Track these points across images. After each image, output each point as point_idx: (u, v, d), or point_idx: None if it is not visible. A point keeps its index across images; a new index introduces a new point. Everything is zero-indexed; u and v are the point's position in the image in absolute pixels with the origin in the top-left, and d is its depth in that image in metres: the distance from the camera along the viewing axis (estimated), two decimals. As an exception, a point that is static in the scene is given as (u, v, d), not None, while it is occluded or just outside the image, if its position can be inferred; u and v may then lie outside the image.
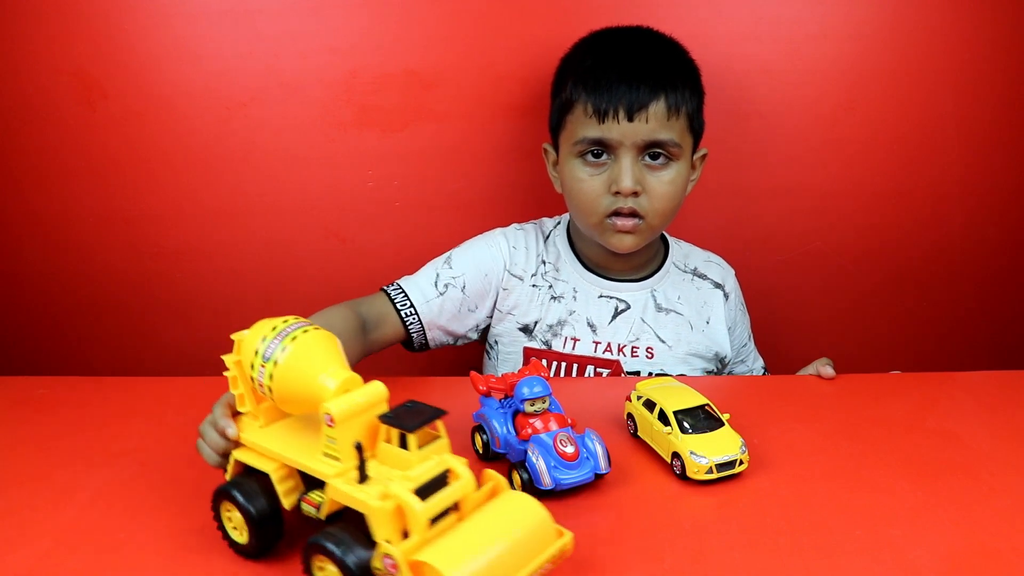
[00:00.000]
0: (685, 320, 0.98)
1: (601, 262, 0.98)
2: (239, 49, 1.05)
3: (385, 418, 0.48)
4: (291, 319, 0.52)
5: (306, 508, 0.51)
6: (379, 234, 1.13)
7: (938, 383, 0.85)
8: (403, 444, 0.48)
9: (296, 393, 0.50)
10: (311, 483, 0.51)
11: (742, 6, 1.05)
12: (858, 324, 1.22)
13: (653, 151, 0.87)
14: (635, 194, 0.87)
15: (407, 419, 0.48)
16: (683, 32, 0.94)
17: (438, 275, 0.94)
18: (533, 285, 0.97)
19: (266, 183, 1.11)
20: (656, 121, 0.86)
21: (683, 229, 1.08)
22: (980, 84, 1.09)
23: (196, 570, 0.53)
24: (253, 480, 0.52)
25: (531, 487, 0.60)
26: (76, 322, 1.19)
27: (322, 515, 0.49)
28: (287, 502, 0.51)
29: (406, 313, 0.91)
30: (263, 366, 0.50)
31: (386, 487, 0.46)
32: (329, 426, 0.48)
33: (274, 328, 0.51)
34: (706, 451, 0.62)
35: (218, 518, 0.54)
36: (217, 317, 1.17)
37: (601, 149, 0.88)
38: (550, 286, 0.97)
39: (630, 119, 0.85)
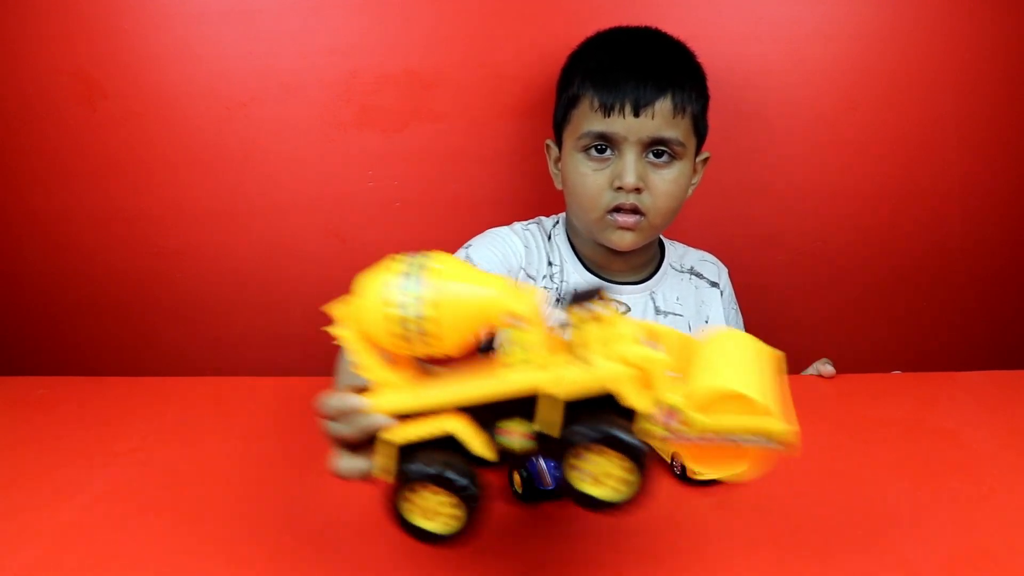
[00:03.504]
0: (684, 321, 0.98)
1: (600, 262, 0.98)
2: (239, 49, 1.05)
3: (571, 300, 0.45)
4: (401, 255, 0.46)
5: (517, 442, 0.44)
6: (379, 234, 1.13)
7: (938, 383, 0.85)
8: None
9: (462, 314, 0.43)
10: (486, 428, 0.45)
11: (742, 6, 1.05)
12: (858, 324, 1.22)
13: (657, 148, 0.87)
14: (637, 190, 0.87)
15: (587, 295, 0.45)
16: (684, 32, 0.94)
17: None
18: (545, 287, 0.96)
19: (266, 183, 1.11)
20: (662, 118, 0.86)
21: (684, 229, 1.08)
22: (980, 84, 1.09)
23: (196, 570, 0.53)
24: (435, 453, 0.44)
25: (531, 486, 0.60)
26: (76, 322, 1.19)
27: (555, 431, 0.43)
28: (491, 453, 0.44)
29: None
30: (412, 300, 0.43)
31: (616, 355, 0.42)
32: (522, 328, 0.42)
33: (399, 266, 0.44)
34: (706, 451, 0.62)
35: (405, 523, 0.45)
36: (217, 317, 1.17)
37: (605, 144, 0.88)
38: (556, 288, 0.97)
39: (636, 114, 0.85)
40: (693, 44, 0.93)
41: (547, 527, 0.57)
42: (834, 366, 0.87)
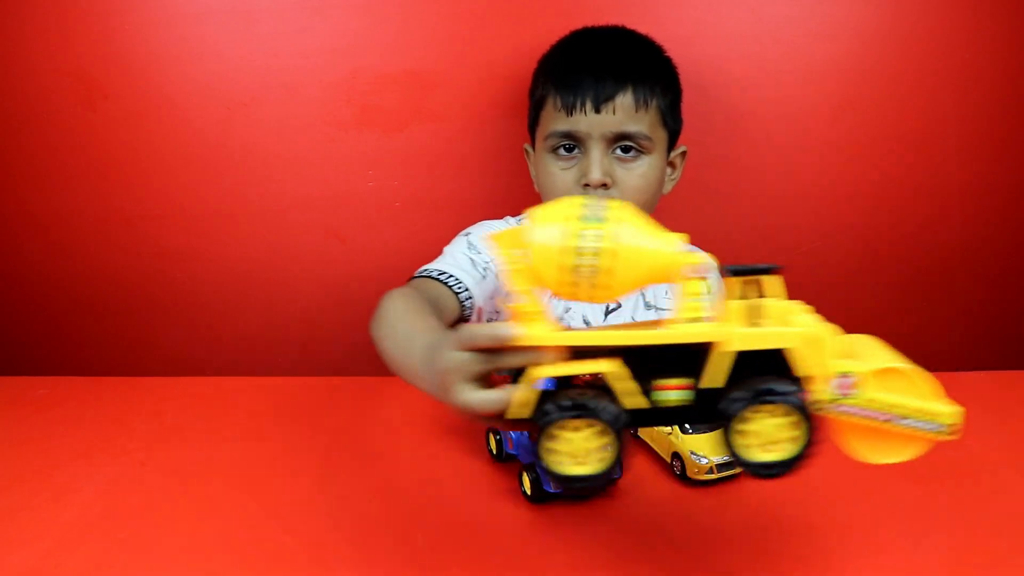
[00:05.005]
0: (672, 315, 0.98)
1: None
2: (239, 49, 1.05)
3: (735, 271, 0.44)
4: (582, 198, 0.45)
5: (671, 396, 0.43)
6: (379, 234, 1.13)
7: (938, 383, 0.85)
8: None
9: (637, 264, 0.43)
10: (640, 377, 0.44)
11: (742, 6, 1.05)
12: (857, 324, 1.21)
13: (624, 144, 0.88)
14: (605, 186, 0.87)
15: (756, 267, 0.45)
16: (682, 32, 0.94)
17: (473, 260, 0.90)
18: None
19: (266, 183, 1.11)
20: (623, 113, 0.86)
21: (683, 230, 1.08)
22: (980, 84, 1.09)
23: (196, 570, 0.53)
24: (582, 391, 0.43)
25: (539, 489, 0.60)
26: (76, 322, 1.19)
27: (709, 384, 0.43)
28: (635, 401, 0.43)
29: (464, 297, 0.85)
30: (596, 246, 0.42)
31: (788, 322, 0.43)
32: (702, 279, 0.43)
33: (580, 204, 0.44)
34: (706, 451, 0.62)
35: (537, 459, 0.43)
36: (217, 317, 1.16)
37: (572, 143, 0.88)
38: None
39: (597, 111, 0.86)
40: (691, 44, 0.93)
41: (553, 527, 0.57)
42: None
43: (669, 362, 0.43)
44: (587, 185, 0.87)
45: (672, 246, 0.44)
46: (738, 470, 0.62)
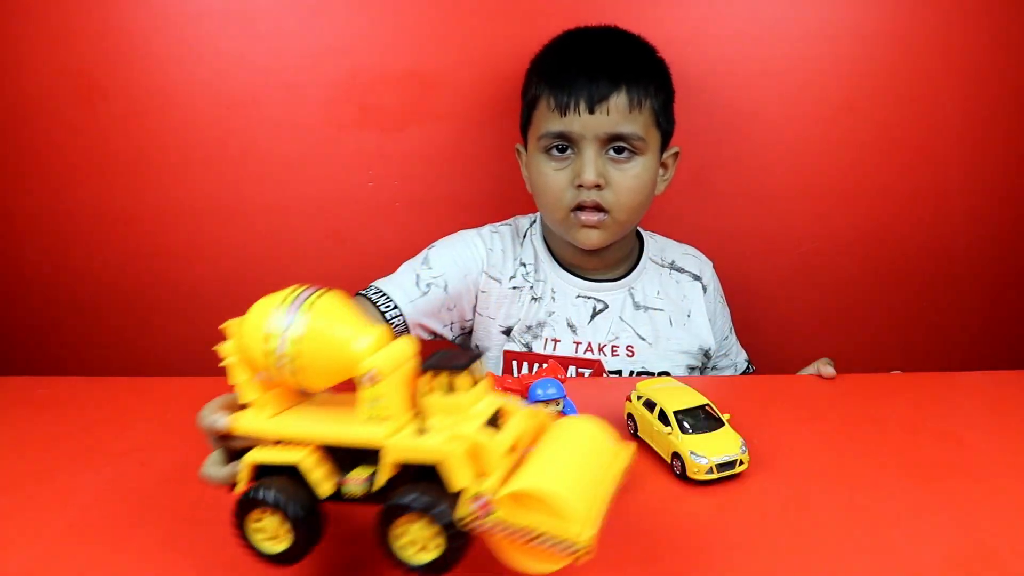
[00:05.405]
0: (665, 316, 0.99)
1: (575, 261, 0.98)
2: (239, 49, 1.05)
3: (429, 366, 0.44)
4: (299, 287, 0.47)
5: (350, 489, 0.45)
6: (379, 234, 1.13)
7: (938, 383, 0.85)
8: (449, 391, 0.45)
9: (326, 359, 0.45)
10: (343, 465, 0.46)
11: (741, 6, 1.05)
12: (858, 324, 1.22)
13: (617, 145, 0.88)
14: (598, 187, 0.87)
15: (452, 362, 0.44)
16: (681, 32, 0.94)
17: (418, 275, 0.93)
18: (513, 288, 0.96)
19: (266, 183, 1.11)
20: (617, 113, 0.86)
21: (681, 230, 1.08)
22: (981, 84, 1.09)
23: (196, 570, 0.53)
24: (278, 479, 0.46)
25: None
26: (76, 322, 1.19)
27: (375, 487, 0.44)
28: (323, 490, 0.45)
29: (391, 315, 0.90)
30: (282, 335, 0.44)
31: (452, 431, 0.42)
32: (373, 383, 0.43)
33: (284, 300, 0.46)
34: (706, 451, 0.62)
35: (244, 535, 0.47)
36: (217, 317, 1.16)
37: (566, 144, 0.89)
38: (531, 287, 0.97)
39: (591, 111, 0.86)
40: (690, 44, 0.94)
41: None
42: (834, 367, 0.87)
43: (358, 456, 0.45)
44: (580, 186, 0.87)
45: (358, 345, 0.44)
46: (738, 470, 0.63)
